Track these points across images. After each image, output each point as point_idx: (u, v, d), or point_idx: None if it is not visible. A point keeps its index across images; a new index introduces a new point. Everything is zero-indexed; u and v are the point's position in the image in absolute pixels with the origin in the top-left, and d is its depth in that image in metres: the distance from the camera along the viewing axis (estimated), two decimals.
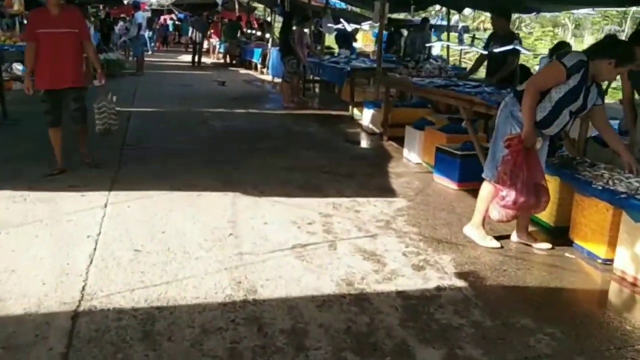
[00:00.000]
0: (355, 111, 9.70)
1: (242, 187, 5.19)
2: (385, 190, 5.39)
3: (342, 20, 13.85)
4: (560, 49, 6.80)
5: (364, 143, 7.88)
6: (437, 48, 13.60)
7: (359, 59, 11.45)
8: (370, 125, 8.42)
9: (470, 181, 5.46)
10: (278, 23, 19.71)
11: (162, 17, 32.56)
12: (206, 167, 5.93)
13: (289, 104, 10.75)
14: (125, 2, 18.57)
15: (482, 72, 7.98)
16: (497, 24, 7.09)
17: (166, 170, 5.68)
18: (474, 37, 15.83)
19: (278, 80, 14.66)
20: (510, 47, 6.22)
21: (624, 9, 13.89)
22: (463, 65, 14.92)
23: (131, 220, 4.21)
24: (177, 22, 32.94)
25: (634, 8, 13.77)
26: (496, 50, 7.09)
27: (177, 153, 6.46)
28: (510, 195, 3.76)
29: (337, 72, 9.90)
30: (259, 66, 18.07)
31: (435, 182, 5.75)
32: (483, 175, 4.10)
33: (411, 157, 6.68)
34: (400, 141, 7.41)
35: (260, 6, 25.93)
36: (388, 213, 4.68)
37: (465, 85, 6.21)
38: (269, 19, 22.92)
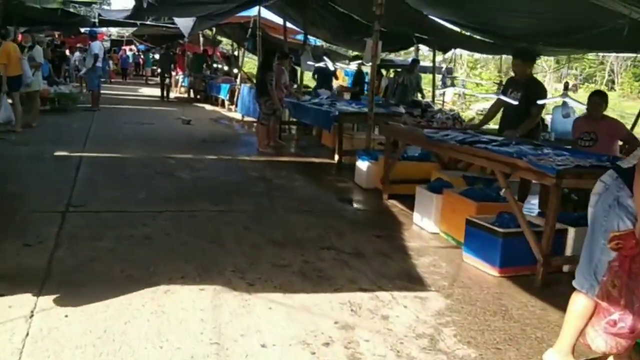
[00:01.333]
0: (343, 160, 8.56)
1: (223, 276, 3.90)
2: (411, 279, 4.18)
3: (325, 57, 12.82)
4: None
5: (362, 203, 6.69)
6: (449, 94, 12.69)
7: (342, 100, 10.35)
8: (365, 180, 7.25)
9: (515, 265, 4.34)
10: (247, 59, 18.68)
11: (122, 48, 31.11)
12: (174, 242, 4.62)
13: (265, 149, 9.53)
14: (83, 30, 17.14)
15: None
16: (520, 69, 6.11)
17: (121, 250, 4.34)
18: (453, 79, 15.06)
19: (248, 119, 13.50)
20: (557, 98, 5.18)
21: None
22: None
23: (68, 345, 2.86)
24: (137, 54, 31.59)
25: None
26: (505, 98, 6.11)
27: (135, 220, 5.12)
28: (625, 319, 2.60)
29: (322, 116, 8.75)
30: (226, 103, 16.86)
31: (467, 263, 4.58)
32: (575, 285, 2.93)
33: (425, 225, 5.51)
34: (403, 200, 6.32)
35: (227, 40, 24.87)
36: (426, 320, 3.46)
37: (492, 142, 5.12)
38: (236, 53, 21.86)
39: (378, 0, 7.49)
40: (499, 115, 6.61)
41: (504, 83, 6.67)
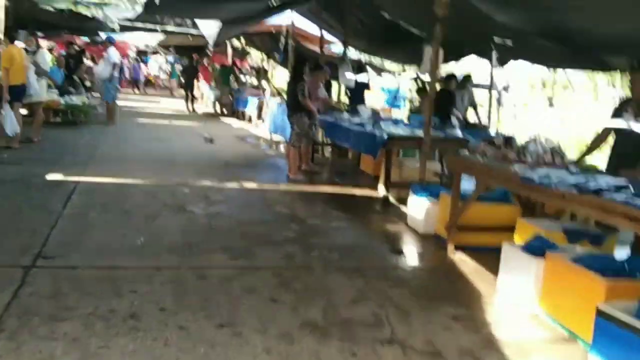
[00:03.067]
0: (390, 193, 7.12)
1: None
2: None
3: (368, 68, 11.40)
4: None
5: (422, 256, 5.22)
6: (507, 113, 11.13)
7: (385, 120, 8.90)
8: (423, 223, 5.79)
9: None
10: (276, 71, 17.44)
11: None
12: (169, 325, 3.20)
13: (297, 176, 8.13)
14: (103, 38, 16.06)
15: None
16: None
17: (87, 342, 2.94)
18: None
19: (277, 137, 12.15)
20: None
21: None
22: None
23: None
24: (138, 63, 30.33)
25: None
26: (624, 123, 4.63)
27: (123, 283, 3.73)
28: None
29: (366, 140, 7.30)
30: (253, 118, 15.56)
31: None
32: None
33: (517, 300, 4.01)
34: (475, 253, 4.91)
35: (256, 52, 23.68)
36: None
37: (615, 188, 3.62)
38: (265, 65, 20.62)
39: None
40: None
41: (616, 105, 5.14)
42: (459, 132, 7.88)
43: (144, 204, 5.91)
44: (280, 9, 9.84)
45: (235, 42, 19.48)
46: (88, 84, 17.34)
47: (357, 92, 11.07)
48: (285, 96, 14.80)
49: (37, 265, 3.86)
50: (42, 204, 5.54)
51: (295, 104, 8.14)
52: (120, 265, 4.04)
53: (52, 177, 6.76)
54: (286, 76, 22.31)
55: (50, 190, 6.16)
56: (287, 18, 12.61)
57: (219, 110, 18.75)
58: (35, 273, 3.74)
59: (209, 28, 11.38)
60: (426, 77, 9.42)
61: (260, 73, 18.88)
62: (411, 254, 5.26)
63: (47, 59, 9.85)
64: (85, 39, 20.40)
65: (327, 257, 4.72)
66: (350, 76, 9.89)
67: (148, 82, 30.13)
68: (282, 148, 11.51)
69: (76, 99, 12.10)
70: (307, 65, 8.24)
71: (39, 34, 16.46)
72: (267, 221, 5.75)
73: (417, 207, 5.94)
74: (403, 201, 6.97)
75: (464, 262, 4.93)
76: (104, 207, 5.63)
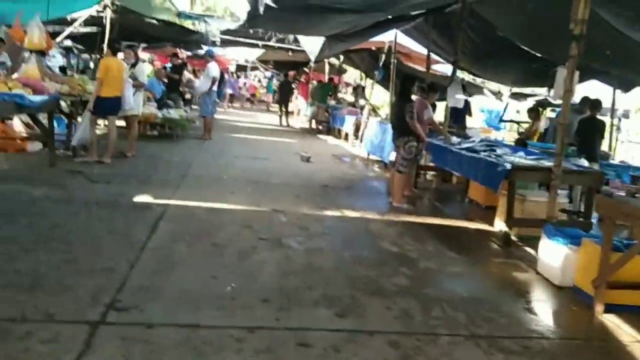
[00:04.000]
0: (512, 231, 6.15)
1: None
2: None
3: (486, 90, 10.42)
4: None
5: (564, 318, 4.24)
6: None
7: (502, 146, 7.87)
8: (559, 273, 4.81)
9: None
10: (374, 89, 16.72)
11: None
12: None
13: (401, 204, 7.29)
14: (204, 51, 15.97)
15: None
16: None
17: None
18: None
19: (374, 157, 11.42)
20: None
21: None
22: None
23: None
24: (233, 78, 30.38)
25: None
26: None
27: (206, 349, 3.04)
28: None
29: (484, 169, 6.34)
30: (350, 137, 14.90)
31: None
32: None
33: None
34: (631, 317, 3.87)
35: (353, 69, 23.10)
36: None
37: None
38: (363, 83, 19.98)
39: (578, 16, 5.19)
40: None
41: None
42: (582, 162, 6.88)
43: (237, 236, 5.26)
44: (388, 25, 9.10)
45: (333, 59, 19.00)
46: (188, 96, 17.43)
47: (459, 113, 10.14)
48: (387, 116, 14.11)
49: (106, 322, 3.21)
50: (125, 232, 5.00)
51: (402, 126, 7.33)
52: (205, 323, 3.33)
53: (140, 198, 6.30)
54: (384, 94, 21.63)
55: (136, 214, 5.65)
56: (390, 35, 11.88)
57: (314, 127, 18.30)
58: (103, 333, 3.10)
59: (311, 44, 10.83)
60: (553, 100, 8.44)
61: (358, 91, 18.25)
62: (551, 315, 4.28)
63: (145, 72, 9.61)
64: (188, 52, 20.58)
65: (451, 318, 3.83)
66: (459, 97, 8.95)
67: (247, 97, 30.35)
68: (377, 168, 10.74)
69: (174, 113, 11.89)
70: (415, 85, 7.42)
71: (143, 45, 16.70)
72: (374, 261, 4.93)
73: (552, 253, 4.95)
74: (526, 240, 6.02)
75: (619, 328, 3.94)
76: (192, 239, 5.02)
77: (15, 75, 7.78)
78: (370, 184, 9.44)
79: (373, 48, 14.29)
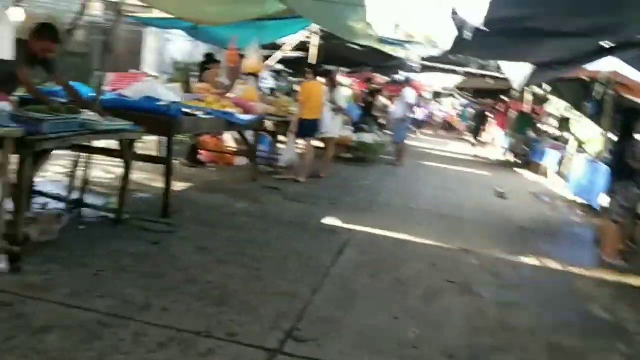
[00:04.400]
0: None
1: None
2: None
3: None
4: None
5: None
6: None
7: None
8: None
9: None
10: (581, 124, 15.21)
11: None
12: None
13: (615, 260, 6.33)
14: (401, 77, 15.93)
15: None
16: None
17: None
18: None
19: (580, 200, 10.28)
20: None
21: None
22: None
23: None
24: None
25: None
26: None
27: None
28: None
29: None
30: (550, 173, 13.70)
31: None
32: None
33: None
34: None
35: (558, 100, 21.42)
36: None
37: None
38: (569, 114, 18.35)
39: None
40: None
41: None
42: None
43: (422, 274, 4.92)
44: (612, 52, 8.11)
45: (536, 88, 17.74)
46: (382, 121, 17.48)
47: None
48: (599, 153, 12.71)
49: (284, 351, 3.09)
50: (311, 255, 4.93)
51: (622, 168, 6.40)
52: None
53: (328, 221, 6.26)
54: (594, 130, 19.69)
55: (323, 237, 5.59)
56: (607, 64, 10.68)
57: (511, 159, 17.22)
58: None
59: (515, 71, 10.11)
60: None
61: (563, 124, 16.80)
62: None
63: (343, 96, 9.72)
64: (384, 77, 20.76)
65: None
66: None
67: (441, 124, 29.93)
68: (583, 213, 9.59)
69: (368, 137, 11.94)
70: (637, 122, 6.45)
71: (343, 69, 17.14)
72: (581, 330, 4.23)
73: None
74: None
75: None
76: (376, 270, 4.79)
77: (232, 95, 8.35)
78: (576, 230, 8.46)
79: (585, 77, 13.01)
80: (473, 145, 18.97)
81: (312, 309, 3.73)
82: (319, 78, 9.07)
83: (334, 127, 9.22)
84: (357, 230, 6.03)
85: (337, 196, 7.74)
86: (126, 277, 3.82)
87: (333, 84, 9.30)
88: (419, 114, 22.55)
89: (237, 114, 6.88)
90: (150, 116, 5.36)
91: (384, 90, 20.95)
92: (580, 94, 14.58)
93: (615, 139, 7.64)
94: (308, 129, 8.44)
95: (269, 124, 8.96)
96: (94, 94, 5.63)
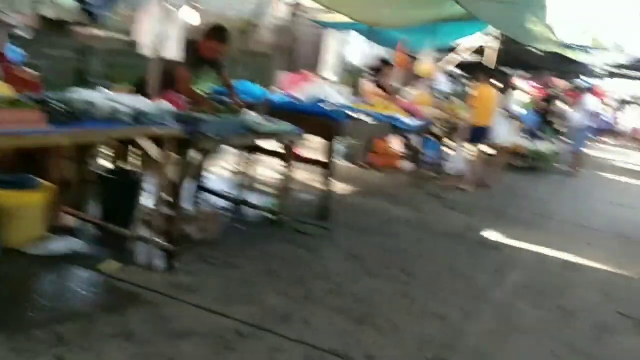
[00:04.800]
0: None
1: None
2: None
3: None
4: None
5: None
6: None
7: None
8: None
9: None
10: None
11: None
12: None
13: None
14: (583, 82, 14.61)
15: None
16: None
17: None
18: None
19: None
20: None
21: None
22: None
23: None
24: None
25: None
26: None
27: None
28: None
29: None
30: None
31: None
32: None
33: None
34: None
35: None
36: None
37: None
38: None
39: None
40: None
41: None
42: None
43: (589, 303, 4.42)
44: None
45: None
46: (559, 128, 16.15)
47: None
48: None
49: None
50: (466, 273, 4.66)
51: None
52: None
53: (489, 235, 5.90)
54: None
55: (481, 253, 5.27)
56: None
57: None
58: None
59: None
60: None
61: None
62: None
63: (517, 101, 9.10)
64: (565, 82, 19.23)
65: None
66: None
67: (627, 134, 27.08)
68: None
69: (542, 145, 11.13)
70: None
71: (521, 73, 16.16)
72: None
73: None
74: None
75: None
76: (539, 295, 4.40)
77: (403, 99, 8.26)
78: None
79: None
80: None
81: (463, 338, 3.49)
82: (492, 82, 8.59)
83: (506, 134, 8.71)
84: (519, 248, 5.62)
85: (502, 208, 7.31)
86: (273, 282, 3.85)
87: (506, 88, 8.75)
88: (601, 121, 20.51)
89: (402, 118, 6.76)
90: (314, 119, 5.44)
91: (563, 95, 19.46)
92: None
93: None
94: (478, 135, 8.06)
95: (437, 129, 8.74)
96: (262, 95, 5.88)
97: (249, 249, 4.43)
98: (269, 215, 5.23)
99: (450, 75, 16.21)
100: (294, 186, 5.56)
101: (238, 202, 5.50)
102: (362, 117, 6.12)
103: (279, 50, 11.41)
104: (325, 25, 10.57)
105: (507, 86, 9.03)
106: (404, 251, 4.98)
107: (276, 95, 6.33)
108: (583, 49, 11.21)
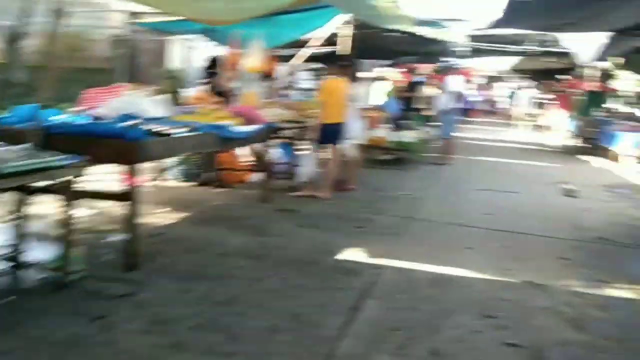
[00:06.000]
0: None
1: None
2: None
3: None
4: None
5: None
6: None
7: None
8: None
9: None
10: None
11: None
12: None
13: None
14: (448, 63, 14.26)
15: None
16: None
17: None
18: None
19: None
20: None
21: None
22: None
23: None
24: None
25: None
26: None
27: None
28: None
29: None
30: (624, 159, 11.82)
31: None
32: None
33: None
34: None
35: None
36: None
37: None
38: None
39: None
40: None
41: None
42: None
43: (471, 336, 3.46)
44: None
45: (603, 63, 15.63)
46: (429, 113, 15.70)
47: None
48: None
49: None
50: (314, 318, 3.56)
51: None
52: None
53: (348, 254, 4.88)
54: None
55: (337, 283, 4.19)
56: None
57: (577, 145, 15.10)
58: None
59: (582, 44, 8.41)
60: None
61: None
62: None
63: (364, 91, 8.15)
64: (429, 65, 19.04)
65: None
66: None
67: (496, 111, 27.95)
68: None
69: (408, 135, 10.42)
70: None
71: (383, 62, 15.64)
72: None
73: None
74: None
75: None
76: (405, 337, 3.38)
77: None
78: None
79: None
80: (531, 130, 17.17)
81: None
82: (343, 73, 7.61)
83: (360, 130, 7.81)
84: (384, 266, 4.63)
85: (365, 215, 6.33)
86: None
87: (353, 79, 7.79)
88: (469, 101, 20.64)
89: (231, 127, 5.58)
90: (106, 142, 4.15)
91: (429, 79, 19.29)
92: None
93: None
94: (330, 134, 7.08)
95: (288, 131, 7.72)
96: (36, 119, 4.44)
97: (14, 331, 3.12)
98: (54, 275, 3.86)
99: (314, 70, 15.39)
100: (106, 225, 4.21)
101: (10, 262, 4.07)
102: (178, 131, 4.88)
103: (118, 63, 9.98)
104: (161, 29, 9.30)
105: (352, 76, 8.00)
106: (235, 300, 3.79)
107: (69, 116, 4.95)
108: (438, 23, 10.61)
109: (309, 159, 7.07)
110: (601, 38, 7.55)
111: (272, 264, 4.56)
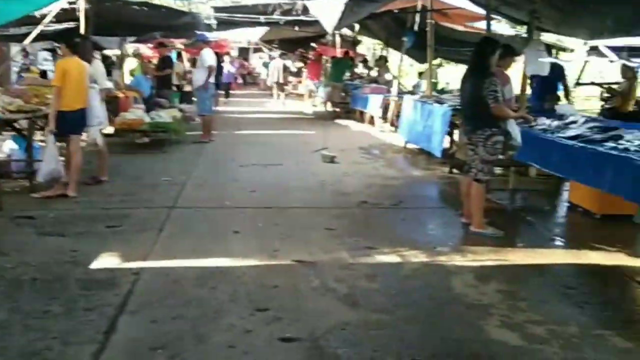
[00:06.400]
0: None
1: None
2: None
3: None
4: None
5: None
6: None
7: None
8: None
9: None
10: (397, 62, 14.25)
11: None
12: None
13: (484, 229, 5.06)
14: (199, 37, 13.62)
15: None
16: None
17: None
18: None
19: (412, 146, 9.30)
20: None
21: None
22: None
23: None
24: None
25: None
26: None
27: None
28: None
29: (626, 175, 4.12)
30: (376, 120, 12.61)
31: None
32: None
33: None
34: None
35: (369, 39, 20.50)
36: None
37: None
38: (384, 53, 17.40)
39: None
40: None
41: None
42: None
43: (245, 336, 3.11)
44: None
45: (345, 30, 16.45)
46: (187, 88, 14.94)
47: (546, 85, 7.76)
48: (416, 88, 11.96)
49: None
50: (57, 350, 2.89)
51: (479, 114, 5.02)
52: None
53: (101, 262, 4.18)
54: (410, 65, 19.10)
55: (87, 301, 3.48)
56: None
57: (330, 110, 15.71)
58: None
59: (327, 12, 8.47)
60: None
61: (381, 63, 15.76)
62: None
63: (100, 71, 7.15)
64: (182, 40, 18.20)
65: None
66: (543, 61, 6.57)
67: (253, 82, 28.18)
68: (424, 162, 8.42)
69: (165, 115, 9.67)
70: (496, 52, 5.09)
71: (130, 38, 14.40)
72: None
73: None
74: None
75: None
76: (166, 354, 2.89)
77: None
78: (424, 190, 7.23)
79: (396, 10, 11.90)
80: (289, 99, 17.56)
81: None
82: (77, 51, 6.56)
83: (104, 114, 6.93)
84: (144, 269, 4.05)
85: (120, 211, 5.57)
86: None
87: (88, 58, 6.77)
88: (228, 74, 20.34)
89: None
90: None
91: (183, 53, 18.47)
92: (393, 29, 13.54)
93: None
94: (71, 123, 6.11)
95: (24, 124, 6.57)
96: None
97: None
98: None
99: (51, 50, 13.67)
100: None
101: None
102: None
103: None
104: None
105: (87, 55, 6.97)
106: None
107: None
108: None
109: (50, 153, 5.99)
110: (340, 5, 7.67)
111: (9, 285, 3.69)
